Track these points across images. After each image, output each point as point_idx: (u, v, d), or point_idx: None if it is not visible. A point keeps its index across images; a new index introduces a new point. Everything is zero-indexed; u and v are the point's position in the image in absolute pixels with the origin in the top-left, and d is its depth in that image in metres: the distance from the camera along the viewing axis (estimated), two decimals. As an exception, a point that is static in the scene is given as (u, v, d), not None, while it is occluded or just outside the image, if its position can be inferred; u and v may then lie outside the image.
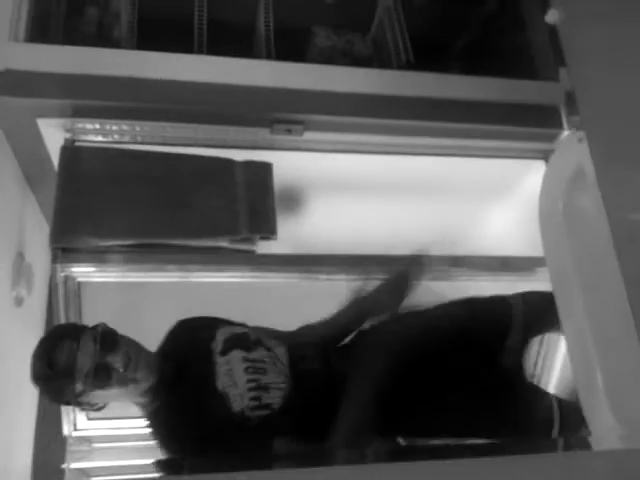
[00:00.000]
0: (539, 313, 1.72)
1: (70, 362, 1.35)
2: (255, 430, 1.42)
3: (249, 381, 1.44)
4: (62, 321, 1.95)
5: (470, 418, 1.61)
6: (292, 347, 1.59)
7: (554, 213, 1.47)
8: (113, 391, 1.40)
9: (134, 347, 1.44)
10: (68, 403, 1.46)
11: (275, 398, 1.45)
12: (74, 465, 2.31)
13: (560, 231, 1.46)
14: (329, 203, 2.29)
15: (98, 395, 1.40)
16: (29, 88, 1.70)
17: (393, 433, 1.61)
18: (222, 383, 1.45)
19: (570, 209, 1.44)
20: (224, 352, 1.50)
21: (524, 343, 1.77)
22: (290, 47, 2.12)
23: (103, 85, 1.76)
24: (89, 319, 1.97)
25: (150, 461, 2.32)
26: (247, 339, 1.53)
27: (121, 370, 1.38)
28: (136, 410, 2.29)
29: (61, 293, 1.90)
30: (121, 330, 2.06)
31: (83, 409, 1.47)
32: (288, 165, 2.02)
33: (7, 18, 1.72)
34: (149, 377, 1.43)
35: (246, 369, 1.46)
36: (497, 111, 2.02)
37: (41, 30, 1.87)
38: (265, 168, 1.93)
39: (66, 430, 2.25)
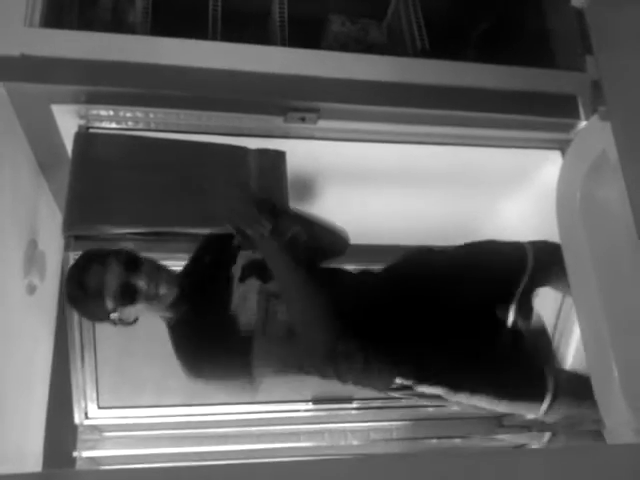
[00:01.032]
0: (549, 262, 1.75)
1: (99, 283, 1.51)
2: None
3: (260, 309, 1.57)
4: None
5: (465, 370, 1.66)
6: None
7: (571, 201, 1.45)
8: (140, 306, 1.55)
9: (155, 267, 1.60)
10: (102, 320, 1.59)
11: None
12: (85, 453, 2.32)
13: (577, 220, 1.44)
14: (342, 192, 2.28)
15: (128, 311, 1.55)
16: (44, 74, 1.69)
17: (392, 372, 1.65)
18: (235, 306, 1.57)
19: (588, 198, 1.43)
20: (242, 279, 1.62)
21: (531, 292, 1.80)
22: (305, 34, 2.10)
23: (117, 71, 1.74)
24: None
25: (161, 451, 2.35)
26: (265, 267, 1.60)
27: (145, 287, 1.54)
28: (147, 399, 2.32)
29: (74, 281, 1.90)
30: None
31: (117, 325, 1.59)
32: (302, 154, 2.01)
33: (23, 3, 1.71)
34: (171, 292, 1.59)
35: (259, 300, 1.58)
36: (513, 100, 1.99)
37: (56, 16, 1.85)
38: (278, 156, 1.92)
39: (77, 418, 2.26)
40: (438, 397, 1.67)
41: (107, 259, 1.54)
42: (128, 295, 1.52)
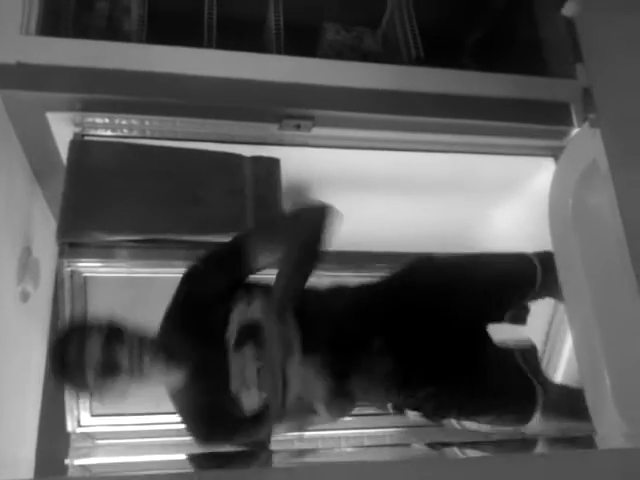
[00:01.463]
0: (553, 275, 1.69)
1: (79, 357, 1.41)
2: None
3: (260, 387, 1.47)
4: (68, 316, 1.95)
5: (452, 395, 1.62)
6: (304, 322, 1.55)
7: (564, 208, 1.46)
8: (124, 381, 1.44)
9: (139, 340, 1.48)
10: (87, 394, 1.56)
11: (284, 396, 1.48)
12: (77, 461, 2.30)
13: (569, 226, 1.45)
14: (336, 199, 2.27)
15: (110, 385, 1.44)
16: (39, 82, 1.69)
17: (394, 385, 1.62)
18: (235, 385, 1.47)
19: (580, 205, 1.44)
20: (238, 345, 1.50)
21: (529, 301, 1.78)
22: (300, 42, 2.11)
23: (113, 79, 1.75)
24: (95, 314, 1.97)
25: (153, 458, 2.34)
26: (259, 329, 1.51)
27: (126, 363, 1.43)
28: (139, 407, 2.30)
29: (67, 288, 1.89)
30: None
31: (105, 400, 1.50)
32: (296, 161, 2.01)
33: (19, 11, 1.71)
34: (156, 368, 1.48)
35: (258, 370, 1.47)
36: (506, 107, 2.01)
37: (52, 24, 1.86)
38: (273, 164, 1.93)
39: (70, 426, 2.25)
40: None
41: (88, 332, 1.45)
42: (109, 370, 1.42)
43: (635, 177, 1.18)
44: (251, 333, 1.51)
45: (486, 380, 1.64)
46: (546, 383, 1.74)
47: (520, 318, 1.78)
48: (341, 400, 1.56)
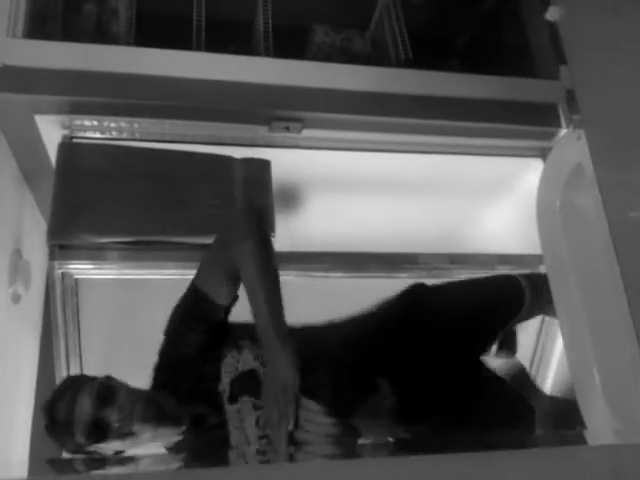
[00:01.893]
0: (545, 297, 1.69)
1: (68, 417, 1.37)
2: None
3: (260, 437, 1.41)
4: (59, 318, 1.95)
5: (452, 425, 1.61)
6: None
7: (551, 209, 1.47)
8: (115, 442, 1.40)
9: (131, 400, 1.42)
10: (77, 453, 1.45)
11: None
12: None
13: (557, 227, 1.46)
14: (327, 201, 2.29)
15: (101, 446, 1.40)
16: (27, 84, 1.69)
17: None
18: (235, 441, 1.43)
19: (567, 206, 1.45)
20: (232, 399, 1.45)
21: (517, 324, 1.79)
22: (289, 44, 2.11)
23: (101, 82, 1.75)
24: (86, 316, 1.97)
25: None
26: (254, 378, 1.45)
27: (116, 424, 1.38)
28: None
29: (58, 290, 1.90)
30: (118, 329, 2.07)
31: (99, 456, 1.46)
32: (286, 163, 2.02)
33: (5, 14, 1.71)
34: (147, 429, 1.42)
35: (257, 421, 1.42)
36: (495, 109, 2.02)
37: (39, 26, 1.86)
38: (263, 165, 1.93)
39: (63, 427, 2.25)
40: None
41: (80, 389, 1.40)
42: (98, 431, 1.37)
43: (619, 178, 1.19)
44: (245, 384, 1.45)
45: (488, 409, 1.63)
46: (540, 399, 1.74)
47: (510, 348, 1.78)
48: (346, 437, 1.49)
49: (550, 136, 2.05)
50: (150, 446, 1.50)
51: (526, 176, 2.21)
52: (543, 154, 2.11)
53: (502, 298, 1.75)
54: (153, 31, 2.05)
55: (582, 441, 1.45)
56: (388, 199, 2.33)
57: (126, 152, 1.84)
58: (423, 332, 1.61)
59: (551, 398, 1.95)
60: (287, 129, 1.90)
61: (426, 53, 2.16)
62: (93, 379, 1.44)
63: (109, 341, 2.07)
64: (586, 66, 1.23)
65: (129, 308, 2.07)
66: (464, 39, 2.47)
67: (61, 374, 2.11)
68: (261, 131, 1.91)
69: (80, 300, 1.95)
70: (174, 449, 1.51)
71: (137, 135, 1.86)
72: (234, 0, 2.30)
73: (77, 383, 1.44)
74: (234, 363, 1.47)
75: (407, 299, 1.72)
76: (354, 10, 2.42)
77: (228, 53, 1.89)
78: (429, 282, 1.80)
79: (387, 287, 1.81)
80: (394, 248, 2.22)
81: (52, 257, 1.81)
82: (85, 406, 1.37)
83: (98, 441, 1.38)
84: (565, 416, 1.66)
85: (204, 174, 1.87)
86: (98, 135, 1.83)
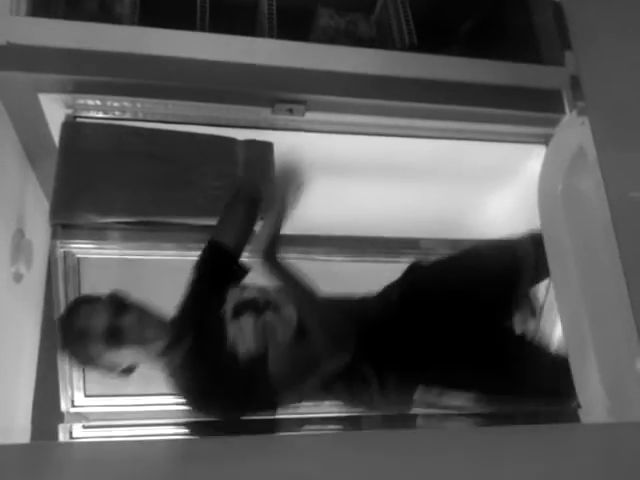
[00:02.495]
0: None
1: (85, 326, 1.47)
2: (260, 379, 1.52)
3: (255, 330, 1.54)
4: (61, 297, 1.97)
5: (490, 375, 1.63)
6: None
7: (553, 194, 1.47)
8: (128, 351, 1.50)
9: (143, 310, 1.55)
10: (92, 365, 1.54)
11: (280, 336, 1.55)
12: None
13: (558, 211, 1.46)
14: (329, 184, 2.29)
15: (115, 356, 1.49)
16: (31, 63, 1.69)
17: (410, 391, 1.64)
18: (231, 340, 1.53)
19: (568, 190, 1.45)
20: (235, 316, 1.57)
21: (533, 286, 1.81)
22: (293, 27, 2.10)
23: (105, 61, 1.75)
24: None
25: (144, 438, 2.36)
26: (256, 303, 1.59)
27: (131, 331, 1.48)
28: (133, 388, 2.33)
29: (60, 269, 1.91)
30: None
31: (110, 373, 1.55)
32: (289, 145, 2.02)
33: (9, -9, 1.71)
34: (159, 336, 1.53)
35: (255, 331, 1.54)
36: (499, 94, 2.01)
37: (43, 4, 1.86)
38: (266, 147, 1.93)
39: (64, 406, 2.27)
40: (460, 407, 1.65)
41: (95, 302, 1.52)
42: (114, 338, 1.47)
43: (621, 158, 1.19)
44: (246, 306, 1.58)
45: (516, 366, 1.64)
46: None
47: (527, 312, 1.78)
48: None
49: (554, 123, 2.04)
50: (155, 362, 1.57)
51: (529, 162, 2.20)
52: (546, 141, 2.10)
53: (501, 262, 1.76)
54: (157, 12, 2.05)
55: (576, 419, 1.46)
56: (390, 184, 2.33)
57: (129, 132, 1.84)
58: (429, 308, 1.66)
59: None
60: (290, 111, 1.90)
61: (430, 37, 2.15)
62: (106, 295, 1.53)
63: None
64: (591, 51, 1.23)
65: (130, 287, 2.06)
66: (469, 24, 2.46)
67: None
68: (264, 113, 1.91)
69: (82, 279, 1.97)
70: (176, 375, 1.58)
71: (140, 115, 1.86)
72: (238, -19, 2.29)
73: (90, 298, 1.54)
74: (239, 292, 1.62)
75: (408, 277, 1.76)
76: (359, -7, 2.41)
77: (232, 34, 1.88)
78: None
79: (388, 271, 1.82)
80: (395, 233, 2.22)
81: (54, 236, 1.82)
82: (102, 317, 1.47)
83: (114, 347, 1.47)
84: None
85: (206, 155, 1.87)
86: (101, 115, 1.83)
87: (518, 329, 1.78)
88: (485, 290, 1.71)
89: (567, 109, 1.99)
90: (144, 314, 1.54)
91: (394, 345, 1.61)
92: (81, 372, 2.23)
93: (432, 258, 1.98)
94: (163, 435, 2.40)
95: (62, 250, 1.88)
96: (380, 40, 2.35)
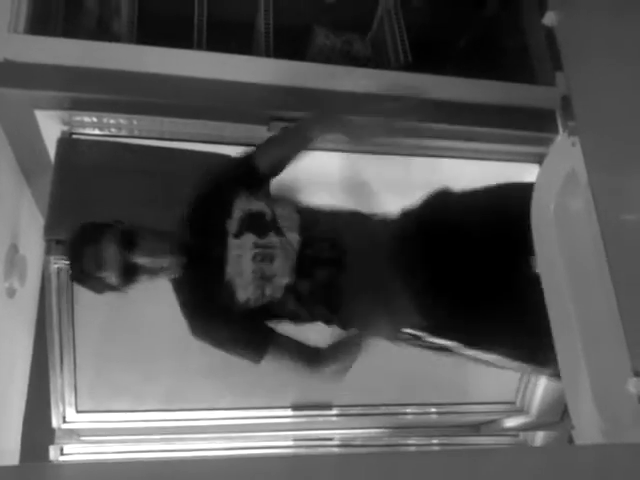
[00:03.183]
0: None
1: (98, 268, 1.44)
2: (256, 313, 1.53)
3: (254, 271, 1.51)
4: (54, 312, 1.96)
5: (482, 326, 1.61)
6: (307, 228, 1.61)
7: (545, 213, 1.48)
8: (146, 277, 1.49)
9: (154, 239, 1.51)
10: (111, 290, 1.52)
11: (277, 290, 1.53)
12: (62, 458, 2.31)
13: (551, 230, 1.47)
14: (324, 202, 2.30)
15: (133, 284, 1.49)
16: (27, 80, 1.70)
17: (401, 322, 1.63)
18: (230, 271, 1.52)
19: (561, 209, 1.45)
20: (237, 234, 1.55)
21: None
22: (289, 46, 2.13)
23: (101, 78, 1.76)
24: (81, 311, 1.98)
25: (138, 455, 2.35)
26: (262, 219, 1.57)
27: (146, 264, 1.47)
28: (125, 404, 2.31)
29: (54, 285, 1.90)
30: (112, 323, 2.07)
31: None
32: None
33: (7, 9, 1.72)
34: (174, 261, 1.52)
35: (254, 256, 1.53)
36: (493, 114, 2.03)
37: (41, 22, 1.87)
38: (261, 165, 1.94)
39: (55, 422, 2.25)
40: (447, 349, 1.65)
41: (102, 241, 1.45)
42: (129, 275, 1.46)
43: (612, 182, 1.20)
44: (252, 223, 1.56)
45: (513, 324, 1.60)
46: None
47: None
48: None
49: (547, 142, 2.05)
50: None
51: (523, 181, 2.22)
52: (540, 160, 2.11)
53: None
54: (155, 30, 2.06)
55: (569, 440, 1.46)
56: (385, 201, 2.33)
57: (124, 149, 1.85)
58: (447, 241, 1.62)
59: None
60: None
61: (426, 57, 2.17)
62: (110, 226, 1.49)
63: (103, 335, 2.08)
64: (582, 72, 1.24)
65: (123, 303, 2.07)
66: (463, 43, 2.48)
67: (54, 369, 2.12)
68: (260, 131, 1.91)
69: (75, 294, 1.96)
70: (179, 288, 1.57)
71: (136, 132, 1.87)
72: (235, 0, 2.31)
73: (95, 235, 1.47)
74: (246, 203, 1.58)
75: (432, 202, 1.73)
76: (355, 13, 2.44)
77: (229, 53, 1.90)
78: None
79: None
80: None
81: (48, 252, 1.82)
82: (113, 255, 1.43)
83: (130, 283, 1.47)
84: None
85: (201, 172, 1.88)
86: (97, 132, 1.84)
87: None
88: (509, 231, 1.63)
89: (560, 129, 2.00)
90: (155, 242, 1.50)
91: (400, 272, 1.59)
92: (72, 387, 2.22)
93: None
94: (154, 452, 2.39)
95: (56, 266, 1.87)
96: (376, 59, 2.37)
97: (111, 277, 1.45)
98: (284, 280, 1.53)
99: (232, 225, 1.56)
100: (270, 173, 1.68)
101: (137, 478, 0.82)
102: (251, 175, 1.64)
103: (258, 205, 1.59)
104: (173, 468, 0.85)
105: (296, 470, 0.82)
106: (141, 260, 1.46)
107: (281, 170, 1.70)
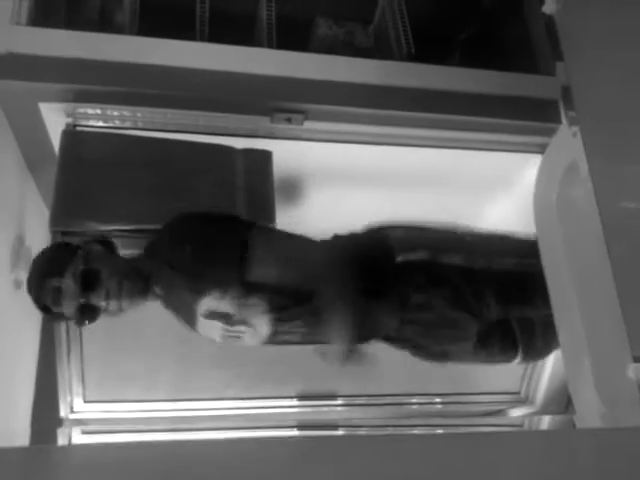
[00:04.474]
0: None
1: (56, 304, 1.47)
2: None
3: (224, 336, 1.57)
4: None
5: None
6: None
7: (548, 202, 1.49)
8: (108, 315, 1.51)
9: (115, 279, 1.50)
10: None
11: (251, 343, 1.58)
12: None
13: (553, 220, 1.48)
14: (328, 193, 2.31)
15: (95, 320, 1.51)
16: (31, 72, 1.71)
17: None
18: (199, 328, 1.56)
19: (562, 199, 1.47)
20: (206, 315, 1.55)
21: None
22: (291, 37, 2.12)
23: (105, 70, 1.77)
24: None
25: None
26: (228, 317, 1.55)
27: (105, 306, 1.48)
28: (133, 394, 2.33)
29: (60, 276, 1.91)
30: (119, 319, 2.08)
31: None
32: (288, 154, 2.03)
33: (10, 1, 1.73)
34: (134, 302, 1.54)
35: (223, 334, 1.57)
36: (496, 104, 2.02)
37: (43, 14, 1.87)
38: (265, 156, 1.95)
39: (63, 412, 2.28)
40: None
41: (63, 276, 1.47)
42: (86, 316, 1.48)
43: (612, 170, 1.21)
44: (218, 317, 1.55)
45: None
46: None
47: None
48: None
49: (550, 132, 2.04)
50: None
51: (526, 172, 2.21)
52: (543, 150, 2.10)
53: None
54: (157, 23, 2.07)
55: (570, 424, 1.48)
56: (388, 193, 2.34)
57: (128, 141, 1.86)
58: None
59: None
60: (289, 121, 1.92)
61: (428, 47, 2.17)
62: (75, 253, 1.50)
63: (109, 326, 2.09)
64: (582, 62, 1.25)
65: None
66: (466, 34, 2.48)
67: (62, 359, 2.14)
68: (263, 122, 1.92)
69: (81, 286, 1.97)
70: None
71: (140, 124, 1.88)
72: (238, -8, 2.31)
73: (56, 267, 1.48)
74: (214, 303, 1.55)
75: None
76: (357, 4, 2.44)
77: (231, 44, 1.90)
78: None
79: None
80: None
81: (54, 243, 1.83)
82: (72, 294, 1.45)
83: (88, 322, 1.48)
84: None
85: (205, 164, 1.89)
86: (101, 124, 1.85)
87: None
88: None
89: (563, 119, 2.00)
90: (116, 286, 1.49)
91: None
92: (80, 377, 2.24)
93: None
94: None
95: (61, 257, 1.89)
96: (378, 50, 2.37)
97: (68, 313, 1.47)
98: (257, 340, 1.58)
99: (200, 308, 1.54)
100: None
101: (143, 459, 0.83)
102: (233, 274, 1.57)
103: (226, 308, 1.55)
104: (183, 450, 0.87)
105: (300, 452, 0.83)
106: (101, 302, 1.47)
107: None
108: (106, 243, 1.61)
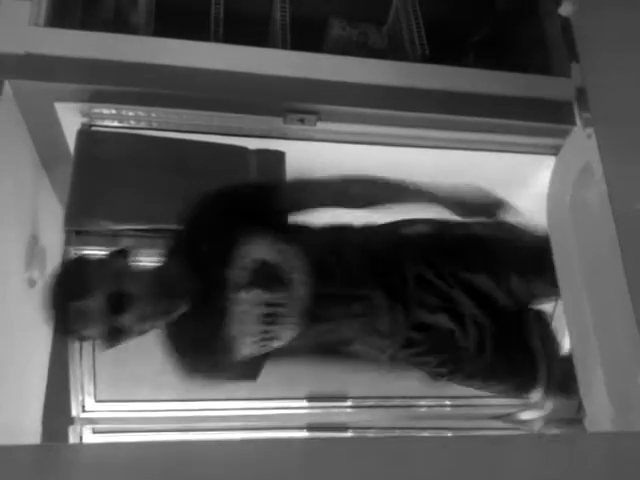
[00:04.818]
0: None
1: (83, 327, 1.37)
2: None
3: (261, 332, 1.42)
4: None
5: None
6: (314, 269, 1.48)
7: (561, 204, 1.48)
8: (135, 336, 1.41)
9: (144, 301, 1.39)
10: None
11: (283, 341, 1.45)
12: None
13: (566, 221, 1.47)
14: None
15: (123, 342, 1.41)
16: (47, 72, 1.72)
17: None
18: (234, 328, 1.41)
19: (576, 201, 1.46)
20: (246, 286, 1.41)
21: None
22: (305, 38, 2.13)
23: (120, 71, 1.78)
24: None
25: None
26: (274, 272, 1.43)
27: (133, 328, 1.38)
28: (144, 393, 2.34)
29: (74, 275, 1.93)
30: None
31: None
32: (300, 155, 2.03)
33: (28, 3, 1.74)
34: (162, 323, 1.44)
35: (262, 316, 1.41)
36: (510, 105, 2.02)
37: (60, 16, 1.89)
38: (277, 156, 1.96)
39: (74, 411, 2.29)
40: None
41: (89, 298, 1.34)
42: (114, 338, 1.37)
43: (626, 171, 1.20)
44: (262, 277, 1.41)
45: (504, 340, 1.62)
46: (554, 355, 1.68)
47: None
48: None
49: (565, 133, 2.03)
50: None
51: (540, 173, 2.20)
52: (557, 152, 2.09)
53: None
54: (172, 22, 2.08)
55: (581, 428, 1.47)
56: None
57: (143, 141, 1.87)
58: None
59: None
60: (302, 121, 1.92)
61: (442, 48, 2.17)
62: (98, 272, 1.39)
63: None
64: (597, 64, 1.24)
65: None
66: (481, 34, 2.47)
67: (74, 358, 2.15)
68: (276, 123, 1.93)
69: (95, 285, 1.98)
70: (170, 331, 1.48)
71: (154, 124, 1.89)
72: (252, -7, 2.32)
73: (82, 290, 1.35)
74: (261, 251, 1.44)
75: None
76: (372, 5, 2.44)
77: (245, 45, 1.91)
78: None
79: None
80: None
81: (68, 242, 1.84)
82: (99, 317, 1.34)
83: (116, 344, 1.38)
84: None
85: (219, 164, 1.90)
86: (116, 124, 1.86)
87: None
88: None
89: (577, 120, 1.99)
90: (144, 308, 1.38)
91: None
92: (92, 377, 2.26)
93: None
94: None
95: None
96: (392, 51, 2.37)
97: (95, 336, 1.38)
98: (290, 334, 1.44)
99: (241, 276, 1.41)
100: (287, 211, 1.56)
101: (154, 458, 0.84)
102: (269, 212, 1.51)
103: (272, 255, 1.43)
104: (192, 449, 0.87)
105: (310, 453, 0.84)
106: (127, 323, 1.36)
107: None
108: (123, 252, 1.49)
